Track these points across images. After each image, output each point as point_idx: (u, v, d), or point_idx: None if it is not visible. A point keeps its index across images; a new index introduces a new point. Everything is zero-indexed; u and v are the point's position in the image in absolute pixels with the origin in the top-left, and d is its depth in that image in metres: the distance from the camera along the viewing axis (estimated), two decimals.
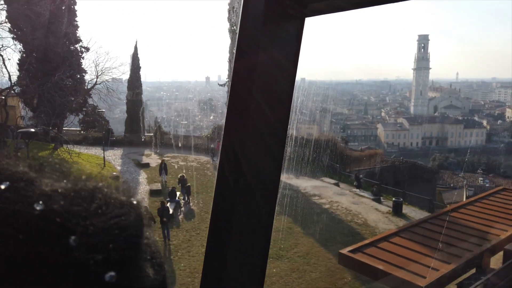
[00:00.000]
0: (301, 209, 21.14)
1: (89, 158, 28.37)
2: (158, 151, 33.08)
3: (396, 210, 20.91)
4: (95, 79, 28.63)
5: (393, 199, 22.30)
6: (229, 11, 32.26)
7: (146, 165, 28.69)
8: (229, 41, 33.34)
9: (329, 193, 24.33)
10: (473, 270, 10.23)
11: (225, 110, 1.18)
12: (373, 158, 36.34)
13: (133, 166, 28.82)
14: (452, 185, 50.74)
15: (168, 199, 20.58)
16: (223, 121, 1.18)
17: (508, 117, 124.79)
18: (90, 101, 30.90)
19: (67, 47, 27.38)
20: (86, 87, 29.20)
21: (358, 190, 25.16)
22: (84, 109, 31.21)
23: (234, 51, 1.15)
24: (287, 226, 19.01)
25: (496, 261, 10.59)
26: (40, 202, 0.45)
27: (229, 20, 32.23)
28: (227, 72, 36.73)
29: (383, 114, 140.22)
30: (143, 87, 38.98)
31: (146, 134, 37.25)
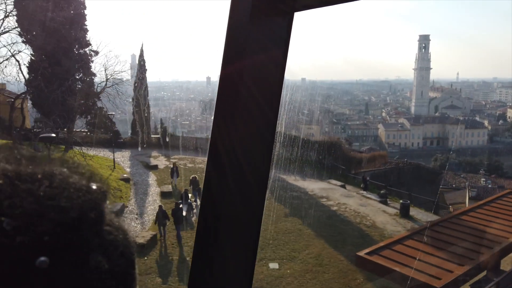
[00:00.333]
0: (310, 211, 21.56)
1: (98, 160, 28.77)
2: (164, 153, 33.46)
3: (404, 212, 21.31)
4: (104, 82, 29.11)
5: (401, 201, 22.70)
6: None
7: (155, 167, 29.12)
8: None
9: (336, 195, 24.69)
10: (484, 273, 10.66)
11: None
12: (377, 160, 36.78)
13: (141, 168, 29.19)
14: (454, 185, 50.95)
15: (180, 201, 20.93)
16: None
17: (509, 117, 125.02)
18: (99, 103, 31.34)
19: (78, 50, 27.90)
20: (95, 90, 29.69)
21: (365, 192, 25.56)
22: (92, 111, 31.69)
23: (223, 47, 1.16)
24: (297, 228, 19.45)
25: (507, 264, 11.03)
26: None
27: None
28: None
29: (384, 114, 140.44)
30: None
31: (152, 136, 37.58)
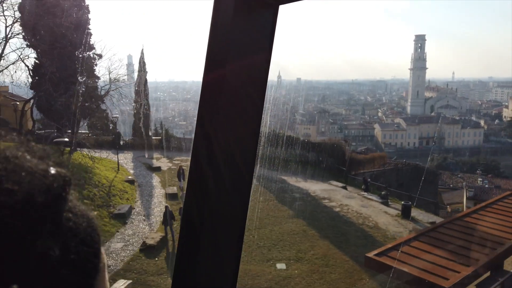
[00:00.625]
0: (313, 212, 21.97)
1: (101, 161, 29.02)
2: (166, 154, 33.72)
3: (405, 213, 21.73)
4: (108, 85, 29.40)
5: (402, 202, 23.13)
6: None
7: (158, 169, 29.40)
8: None
9: (338, 196, 25.08)
10: (488, 274, 11.06)
11: None
12: (376, 160, 37.25)
13: (145, 170, 29.45)
14: (451, 185, 51.51)
15: None
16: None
17: (505, 116, 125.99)
18: (102, 106, 31.59)
19: (82, 54, 28.18)
20: (99, 93, 29.99)
21: (366, 193, 25.97)
22: (96, 114, 31.96)
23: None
24: (301, 229, 19.84)
25: (507, 264, 11.45)
26: None
27: None
28: None
29: (380, 114, 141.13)
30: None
31: (153, 137, 37.82)
